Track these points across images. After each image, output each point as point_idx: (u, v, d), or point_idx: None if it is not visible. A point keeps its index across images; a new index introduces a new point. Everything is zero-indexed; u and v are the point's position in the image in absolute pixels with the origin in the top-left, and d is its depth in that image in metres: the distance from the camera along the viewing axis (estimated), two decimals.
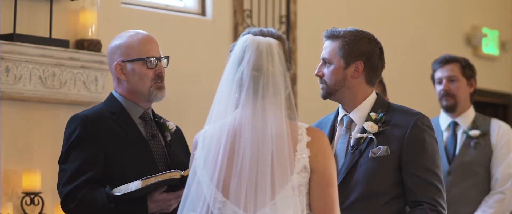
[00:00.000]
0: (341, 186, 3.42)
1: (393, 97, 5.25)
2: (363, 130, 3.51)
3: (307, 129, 2.92)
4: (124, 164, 3.62)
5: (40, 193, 4.94)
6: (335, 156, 3.53)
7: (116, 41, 3.78)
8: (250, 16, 6.34)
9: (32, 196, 4.93)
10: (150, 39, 3.77)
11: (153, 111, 3.86)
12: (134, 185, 3.48)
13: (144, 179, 3.48)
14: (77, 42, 5.23)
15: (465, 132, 5.32)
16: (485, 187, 5.26)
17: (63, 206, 3.63)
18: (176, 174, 3.51)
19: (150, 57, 3.72)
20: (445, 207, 3.48)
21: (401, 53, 7.38)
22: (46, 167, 4.99)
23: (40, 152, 5.06)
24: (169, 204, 3.57)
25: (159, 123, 3.83)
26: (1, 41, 4.80)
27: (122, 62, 3.73)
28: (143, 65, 3.72)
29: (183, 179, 3.48)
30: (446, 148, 5.35)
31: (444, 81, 5.33)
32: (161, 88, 3.74)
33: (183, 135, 3.95)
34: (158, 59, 3.75)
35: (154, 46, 3.76)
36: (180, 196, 3.48)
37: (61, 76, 5.08)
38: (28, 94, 4.95)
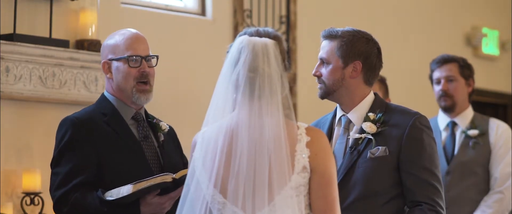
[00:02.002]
0: (340, 186, 3.39)
1: (393, 97, 5.27)
2: (362, 131, 3.50)
3: (307, 129, 2.91)
4: (116, 165, 3.60)
5: (40, 193, 4.94)
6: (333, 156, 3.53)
7: (106, 40, 3.81)
8: (250, 16, 6.34)
9: (32, 196, 4.93)
10: (136, 38, 3.75)
11: (146, 111, 3.84)
12: (125, 190, 3.45)
13: (135, 183, 3.45)
14: (77, 42, 5.24)
15: (463, 131, 5.32)
16: (484, 187, 5.26)
17: (56, 210, 3.61)
18: (168, 177, 3.48)
19: (132, 56, 3.70)
20: (444, 207, 3.48)
21: (401, 53, 7.38)
22: (46, 167, 4.94)
23: (40, 152, 5.06)
24: (162, 207, 3.54)
25: (152, 124, 3.81)
26: (1, 41, 4.81)
27: (109, 60, 3.75)
28: (125, 63, 3.71)
29: (175, 182, 3.48)
30: (444, 148, 5.35)
31: (442, 81, 5.32)
32: (144, 91, 3.72)
33: (176, 135, 3.93)
34: (143, 58, 3.73)
35: (141, 44, 3.74)
36: (173, 198, 3.50)
37: (61, 76, 5.08)
38: (28, 94, 4.95)
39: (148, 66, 3.74)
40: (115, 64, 3.73)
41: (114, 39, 3.77)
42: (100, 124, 3.67)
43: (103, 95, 3.80)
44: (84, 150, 3.60)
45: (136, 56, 3.71)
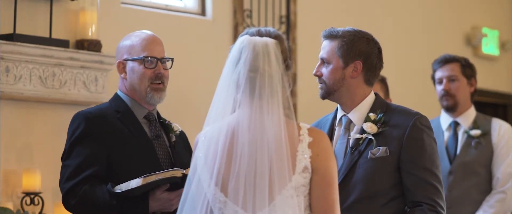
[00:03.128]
0: (340, 187, 3.39)
1: (393, 97, 5.27)
2: (362, 131, 3.50)
3: (309, 129, 2.91)
4: (127, 162, 3.63)
5: (40, 193, 4.94)
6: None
7: (122, 41, 3.84)
8: (250, 16, 6.34)
9: (32, 196, 4.93)
10: (152, 39, 3.79)
11: (158, 113, 3.88)
12: (135, 182, 3.47)
13: (145, 176, 3.47)
14: (77, 42, 5.23)
15: (466, 131, 5.32)
16: (486, 187, 5.26)
17: (65, 202, 3.63)
18: (178, 172, 3.50)
19: (148, 57, 3.73)
20: (444, 207, 3.48)
21: (401, 53, 7.38)
22: (46, 167, 4.99)
23: (40, 152, 5.07)
24: (171, 203, 3.56)
25: (164, 124, 3.85)
26: (1, 41, 4.81)
27: (124, 60, 3.77)
28: (141, 64, 3.74)
29: (185, 177, 3.47)
30: (447, 148, 5.35)
31: (444, 81, 5.33)
32: (158, 90, 3.75)
33: (187, 139, 3.96)
34: (159, 59, 3.76)
35: (157, 46, 3.78)
36: (181, 194, 3.49)
37: (61, 76, 5.08)
38: (28, 94, 4.95)
39: (163, 68, 3.78)
40: (130, 64, 3.76)
41: (130, 40, 3.80)
42: (113, 120, 3.70)
43: (116, 94, 3.83)
44: (96, 144, 3.62)
45: (151, 57, 3.74)
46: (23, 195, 4.93)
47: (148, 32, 3.84)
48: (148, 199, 3.53)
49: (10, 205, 4.85)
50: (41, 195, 4.95)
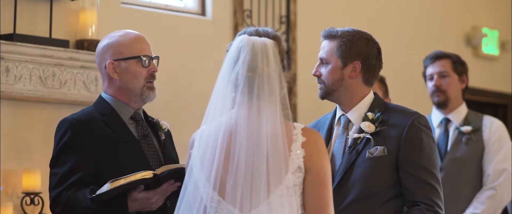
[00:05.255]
0: (339, 186, 3.43)
1: (392, 97, 5.27)
2: (360, 130, 3.51)
3: (303, 129, 2.93)
4: (115, 165, 3.60)
5: (40, 193, 4.94)
6: (333, 156, 3.53)
7: (106, 41, 3.76)
8: (250, 16, 6.35)
9: (32, 196, 4.94)
10: (142, 38, 3.76)
11: (144, 112, 3.85)
12: (105, 187, 3.45)
13: (112, 181, 3.44)
14: (77, 42, 5.24)
15: (457, 128, 5.31)
16: (476, 184, 5.25)
17: (52, 210, 3.62)
18: (148, 173, 3.45)
19: (145, 56, 3.71)
20: (443, 207, 3.48)
21: (401, 53, 7.39)
22: (46, 167, 4.94)
23: (40, 152, 5.07)
24: (150, 202, 3.51)
25: (151, 123, 3.82)
26: (1, 41, 4.81)
27: (115, 60, 3.71)
28: (137, 63, 3.70)
29: (156, 177, 3.46)
30: (438, 145, 5.34)
31: (435, 77, 5.32)
32: (152, 88, 3.74)
33: (171, 135, 3.94)
34: (151, 58, 3.75)
35: (146, 45, 3.76)
36: (160, 193, 3.48)
37: (61, 76, 5.09)
38: (28, 94, 4.95)
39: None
40: (123, 64, 3.71)
41: (115, 39, 3.74)
42: (99, 125, 3.66)
43: (100, 97, 3.79)
44: (83, 151, 3.59)
45: (147, 56, 3.72)
46: (23, 195, 4.93)
47: (133, 31, 3.80)
48: (127, 200, 3.50)
49: (10, 205, 4.86)
50: (41, 195, 4.95)
